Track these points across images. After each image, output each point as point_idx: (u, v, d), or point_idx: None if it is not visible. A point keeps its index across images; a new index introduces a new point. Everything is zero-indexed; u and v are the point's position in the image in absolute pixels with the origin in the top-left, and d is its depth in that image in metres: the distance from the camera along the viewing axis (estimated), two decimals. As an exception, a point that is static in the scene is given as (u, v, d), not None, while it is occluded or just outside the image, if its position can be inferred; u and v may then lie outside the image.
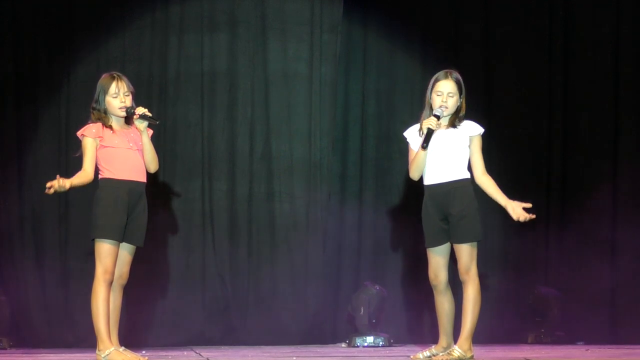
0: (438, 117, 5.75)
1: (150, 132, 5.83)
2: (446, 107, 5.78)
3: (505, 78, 9.07)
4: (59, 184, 5.59)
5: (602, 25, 9.04)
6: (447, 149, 5.78)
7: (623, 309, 8.74)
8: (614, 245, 8.90)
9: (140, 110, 5.77)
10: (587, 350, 7.49)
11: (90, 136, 5.69)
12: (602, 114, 9.03)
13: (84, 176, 5.64)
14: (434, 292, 5.85)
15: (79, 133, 5.74)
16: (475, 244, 5.73)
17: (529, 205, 5.79)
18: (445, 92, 5.79)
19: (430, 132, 5.72)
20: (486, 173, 5.88)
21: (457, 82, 5.82)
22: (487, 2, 9.09)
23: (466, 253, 5.70)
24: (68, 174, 8.05)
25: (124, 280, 5.73)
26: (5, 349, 7.77)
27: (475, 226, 5.72)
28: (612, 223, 8.92)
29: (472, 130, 5.82)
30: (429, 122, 5.72)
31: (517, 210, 5.78)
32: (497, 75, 9.07)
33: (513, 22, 9.09)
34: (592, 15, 9.07)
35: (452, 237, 5.74)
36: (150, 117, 5.77)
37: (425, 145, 5.74)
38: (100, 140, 5.67)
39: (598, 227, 8.92)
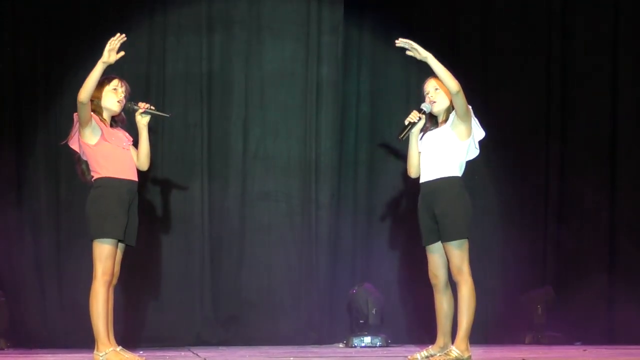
0: (420, 111, 5.81)
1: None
2: (434, 102, 5.83)
3: (503, 78, 9.08)
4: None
5: (601, 24, 9.06)
6: (434, 147, 5.80)
7: (621, 310, 8.74)
8: (612, 246, 8.91)
9: (144, 105, 5.76)
10: (584, 350, 7.49)
11: (94, 119, 5.59)
12: (601, 113, 9.05)
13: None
14: (434, 290, 5.86)
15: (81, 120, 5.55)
16: (462, 242, 5.67)
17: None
18: (430, 89, 5.87)
19: (408, 125, 5.78)
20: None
21: None
22: (486, 2, 9.11)
23: (454, 252, 5.68)
24: (66, 175, 8.21)
25: (115, 281, 5.72)
26: (2, 349, 7.77)
27: (458, 224, 5.66)
28: (611, 223, 8.93)
29: (450, 119, 5.79)
30: (410, 116, 5.80)
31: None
32: (496, 75, 9.08)
33: (512, 22, 9.10)
34: (591, 14, 9.08)
35: (440, 236, 5.75)
36: (155, 112, 5.77)
37: (401, 136, 5.80)
38: (101, 135, 5.59)
39: (596, 226, 8.93)
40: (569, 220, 8.98)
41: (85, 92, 5.47)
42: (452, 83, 5.62)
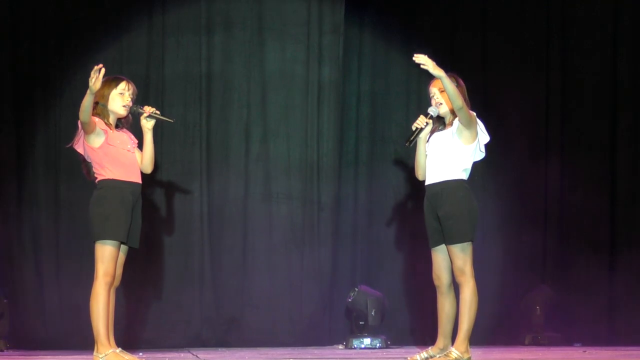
0: (427, 115, 5.79)
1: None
2: (440, 103, 5.81)
3: (503, 79, 9.08)
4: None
5: (601, 25, 9.06)
6: (438, 150, 5.80)
7: (621, 310, 8.74)
8: (612, 246, 8.90)
9: (149, 109, 5.76)
10: (584, 351, 7.49)
11: (98, 125, 5.60)
12: (600, 111, 9.04)
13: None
14: (437, 292, 5.87)
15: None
16: (466, 245, 5.68)
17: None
18: (436, 91, 5.84)
19: (416, 131, 5.77)
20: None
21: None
22: (485, 3, 9.10)
23: (457, 255, 5.68)
24: (66, 175, 8.19)
25: (117, 282, 5.72)
26: (2, 350, 7.77)
27: (462, 227, 5.66)
28: (611, 223, 8.93)
29: (454, 125, 5.79)
30: (417, 121, 5.79)
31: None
32: (496, 76, 9.07)
33: (512, 22, 9.10)
34: (592, 14, 9.08)
35: (444, 238, 5.74)
36: (160, 116, 5.76)
37: (408, 142, 5.80)
38: (105, 138, 5.62)
39: (596, 226, 8.93)
40: (569, 221, 8.97)
41: (84, 114, 5.48)
42: (457, 100, 5.61)
